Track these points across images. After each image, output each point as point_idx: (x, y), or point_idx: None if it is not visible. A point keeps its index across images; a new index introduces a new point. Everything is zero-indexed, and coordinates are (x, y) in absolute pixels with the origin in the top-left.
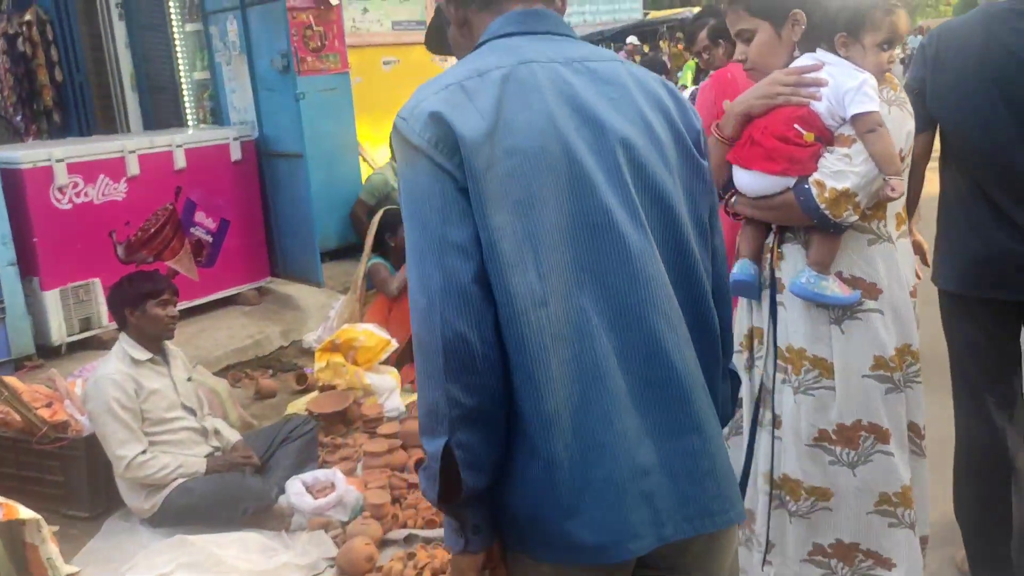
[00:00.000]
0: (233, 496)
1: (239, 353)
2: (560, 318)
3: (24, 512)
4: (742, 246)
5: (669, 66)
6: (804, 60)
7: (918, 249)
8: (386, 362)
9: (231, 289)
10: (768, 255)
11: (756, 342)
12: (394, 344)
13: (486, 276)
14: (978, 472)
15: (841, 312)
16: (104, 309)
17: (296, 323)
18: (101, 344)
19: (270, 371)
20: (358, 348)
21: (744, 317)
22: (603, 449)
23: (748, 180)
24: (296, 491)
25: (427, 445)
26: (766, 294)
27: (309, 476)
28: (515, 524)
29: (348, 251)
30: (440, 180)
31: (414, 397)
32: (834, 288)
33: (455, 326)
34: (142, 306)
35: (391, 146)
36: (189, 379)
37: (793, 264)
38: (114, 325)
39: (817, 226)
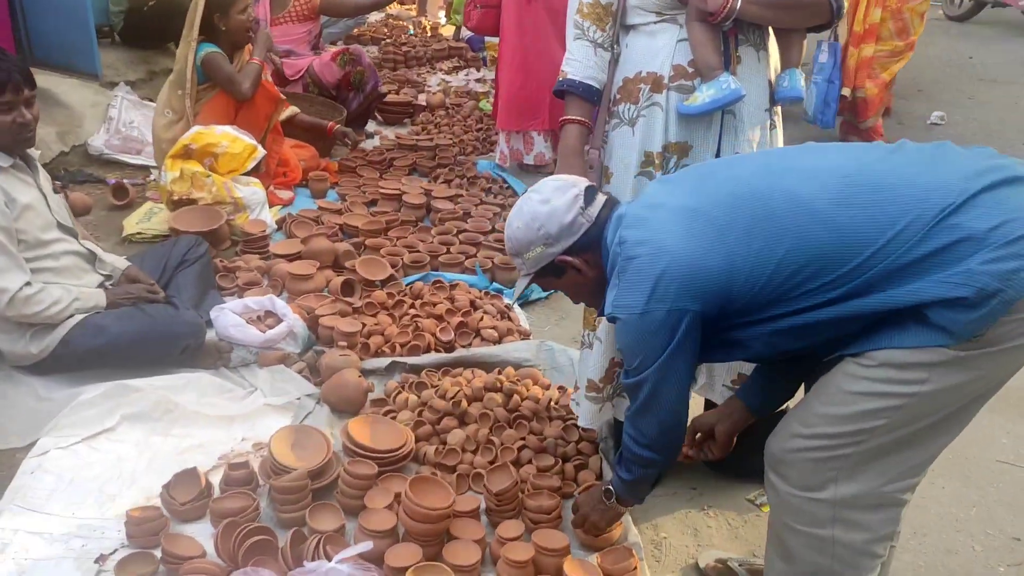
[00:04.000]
0: (168, 332)
1: None
2: None
3: None
4: (711, 58)
5: None
6: None
7: None
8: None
9: None
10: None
11: (676, 158)
12: (261, 151)
13: None
14: None
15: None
16: None
17: (69, 124)
18: None
19: (58, 182)
20: (219, 155)
21: (659, 132)
22: None
23: None
24: (233, 323)
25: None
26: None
27: (238, 304)
28: None
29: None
30: None
31: (286, 213)
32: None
33: None
34: None
35: None
36: (56, 192)
37: (751, 68)
38: None
39: (825, 25)
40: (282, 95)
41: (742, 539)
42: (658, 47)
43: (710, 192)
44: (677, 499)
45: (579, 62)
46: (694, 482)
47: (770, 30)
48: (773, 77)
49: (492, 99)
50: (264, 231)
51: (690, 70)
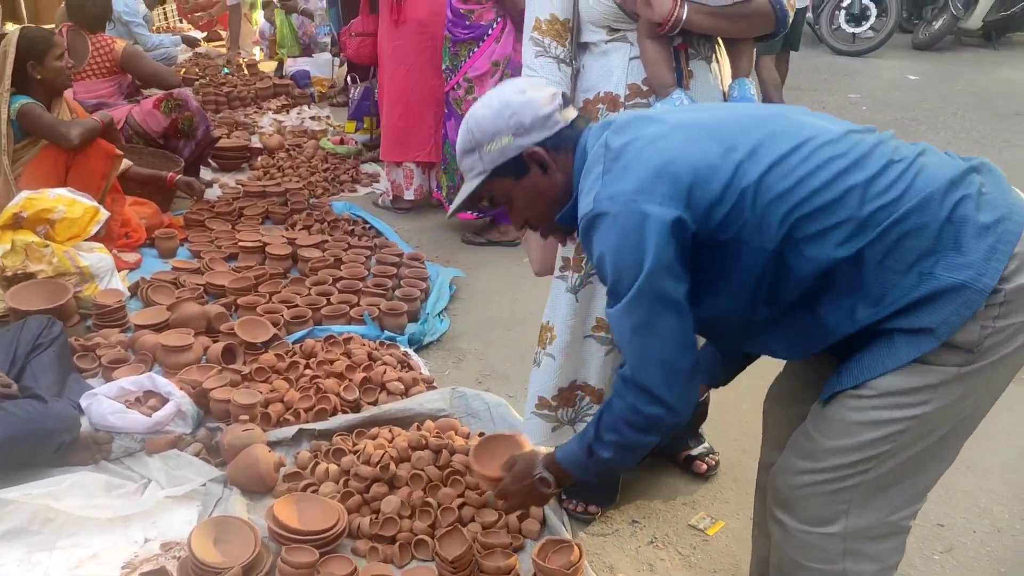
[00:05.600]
0: (38, 431)
1: None
2: None
3: None
4: (664, 76)
5: None
6: None
7: None
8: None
9: None
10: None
11: None
12: (104, 212)
13: None
14: None
15: None
16: None
17: None
18: None
19: None
20: (56, 221)
21: None
22: None
23: None
24: (111, 409)
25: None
26: None
27: (112, 388)
28: None
29: None
30: None
31: (137, 278)
32: None
33: None
34: None
35: None
36: None
37: (703, 81)
38: None
39: (771, 34)
40: (118, 150)
41: (696, 567)
42: (612, 66)
43: (709, 120)
44: (622, 536)
45: (547, 79)
46: (633, 515)
47: (720, 42)
48: (727, 88)
49: (333, 137)
50: (120, 301)
51: (645, 88)
